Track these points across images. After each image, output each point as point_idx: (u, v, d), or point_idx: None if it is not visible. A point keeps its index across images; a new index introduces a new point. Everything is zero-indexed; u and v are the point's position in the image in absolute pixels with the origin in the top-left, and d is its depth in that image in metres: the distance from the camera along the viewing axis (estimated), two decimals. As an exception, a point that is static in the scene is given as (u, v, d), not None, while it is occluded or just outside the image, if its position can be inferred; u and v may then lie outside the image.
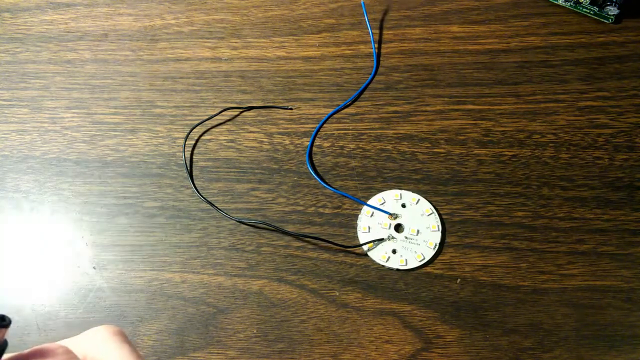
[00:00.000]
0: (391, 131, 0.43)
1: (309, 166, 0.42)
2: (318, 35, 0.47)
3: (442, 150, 0.42)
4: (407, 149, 0.43)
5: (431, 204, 0.40)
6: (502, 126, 0.43)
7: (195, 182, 0.42)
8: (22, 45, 0.49)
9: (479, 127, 0.43)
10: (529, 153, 0.42)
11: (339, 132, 0.44)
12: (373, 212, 0.40)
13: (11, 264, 0.41)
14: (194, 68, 0.47)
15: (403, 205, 0.41)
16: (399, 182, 0.41)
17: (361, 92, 0.44)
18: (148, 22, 0.49)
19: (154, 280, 0.40)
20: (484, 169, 0.41)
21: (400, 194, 0.41)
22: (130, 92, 0.46)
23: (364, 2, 0.47)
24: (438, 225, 0.40)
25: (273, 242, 0.40)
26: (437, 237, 0.39)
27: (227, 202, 0.42)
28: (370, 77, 0.45)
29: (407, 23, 0.47)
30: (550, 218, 0.40)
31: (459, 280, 0.38)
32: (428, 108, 0.44)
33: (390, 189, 0.41)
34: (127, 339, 0.24)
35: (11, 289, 0.40)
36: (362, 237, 0.40)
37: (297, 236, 0.40)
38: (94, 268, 0.40)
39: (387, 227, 0.40)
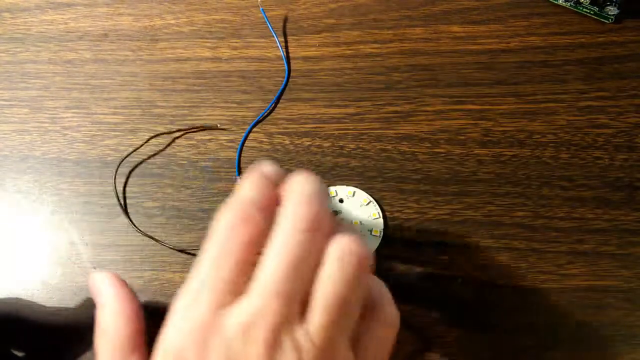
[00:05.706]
0: (391, 131, 0.43)
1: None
2: (318, 35, 0.47)
3: (442, 150, 0.42)
4: (407, 149, 0.43)
5: (367, 193, 0.40)
6: (502, 126, 0.43)
7: (196, 182, 0.42)
8: (22, 45, 0.49)
9: (479, 127, 0.43)
10: (529, 153, 0.42)
11: (339, 132, 0.44)
12: None
13: (10, 264, 0.41)
14: (194, 68, 0.47)
15: (341, 201, 0.41)
16: (399, 182, 0.41)
17: (279, 97, 0.44)
18: (148, 22, 0.49)
19: (154, 281, 0.40)
20: (484, 169, 0.41)
21: (336, 190, 0.41)
22: (130, 92, 0.46)
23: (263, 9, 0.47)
24: (379, 212, 0.40)
25: (273, 242, 0.40)
26: (380, 225, 0.39)
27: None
28: (284, 81, 0.45)
29: (407, 23, 0.47)
30: (550, 218, 0.40)
31: (459, 280, 0.38)
32: (428, 108, 0.44)
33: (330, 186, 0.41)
34: None
35: (10, 289, 0.40)
36: None
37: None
38: (94, 268, 0.40)
39: None
